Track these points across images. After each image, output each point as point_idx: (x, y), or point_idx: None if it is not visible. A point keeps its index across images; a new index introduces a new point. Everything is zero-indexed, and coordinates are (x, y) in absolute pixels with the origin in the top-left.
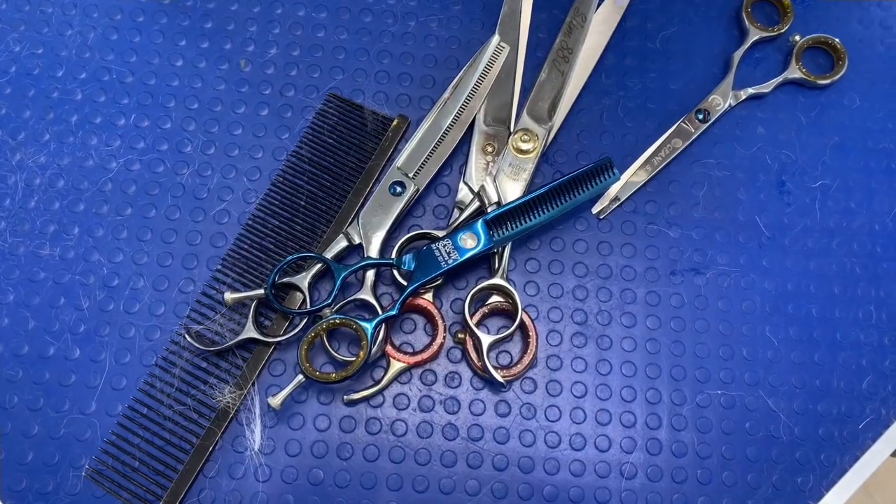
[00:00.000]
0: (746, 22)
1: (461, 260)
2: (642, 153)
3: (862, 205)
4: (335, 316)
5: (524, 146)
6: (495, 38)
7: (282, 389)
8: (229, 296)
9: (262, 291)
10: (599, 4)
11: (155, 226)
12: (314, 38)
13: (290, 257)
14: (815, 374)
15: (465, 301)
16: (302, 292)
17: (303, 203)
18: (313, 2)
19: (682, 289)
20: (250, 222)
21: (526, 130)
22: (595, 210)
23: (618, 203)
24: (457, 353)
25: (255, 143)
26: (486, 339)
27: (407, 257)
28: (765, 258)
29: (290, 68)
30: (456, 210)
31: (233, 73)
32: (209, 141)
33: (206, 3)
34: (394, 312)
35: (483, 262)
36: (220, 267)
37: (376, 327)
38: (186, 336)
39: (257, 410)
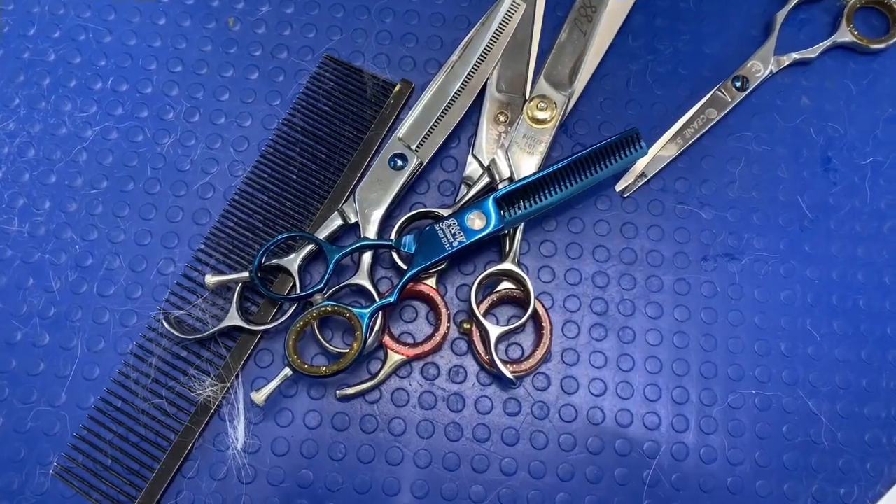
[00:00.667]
0: None
1: (468, 243)
2: (672, 124)
3: None
4: (327, 303)
5: (541, 115)
6: None
7: (268, 383)
8: (211, 279)
9: (246, 274)
10: None
11: (133, 200)
12: None
13: (278, 237)
14: (862, 372)
15: (471, 287)
16: (292, 276)
17: (294, 177)
18: None
19: (714, 276)
20: (237, 197)
21: (543, 97)
22: (619, 188)
23: (644, 180)
24: (462, 345)
25: (243, 111)
26: (494, 331)
27: (407, 238)
28: (807, 243)
29: (283, 27)
30: (463, 186)
31: (220, 33)
32: (193, 107)
33: None
34: (392, 300)
35: (493, 245)
36: (202, 246)
37: (372, 316)
38: (164, 323)
39: (241, 405)
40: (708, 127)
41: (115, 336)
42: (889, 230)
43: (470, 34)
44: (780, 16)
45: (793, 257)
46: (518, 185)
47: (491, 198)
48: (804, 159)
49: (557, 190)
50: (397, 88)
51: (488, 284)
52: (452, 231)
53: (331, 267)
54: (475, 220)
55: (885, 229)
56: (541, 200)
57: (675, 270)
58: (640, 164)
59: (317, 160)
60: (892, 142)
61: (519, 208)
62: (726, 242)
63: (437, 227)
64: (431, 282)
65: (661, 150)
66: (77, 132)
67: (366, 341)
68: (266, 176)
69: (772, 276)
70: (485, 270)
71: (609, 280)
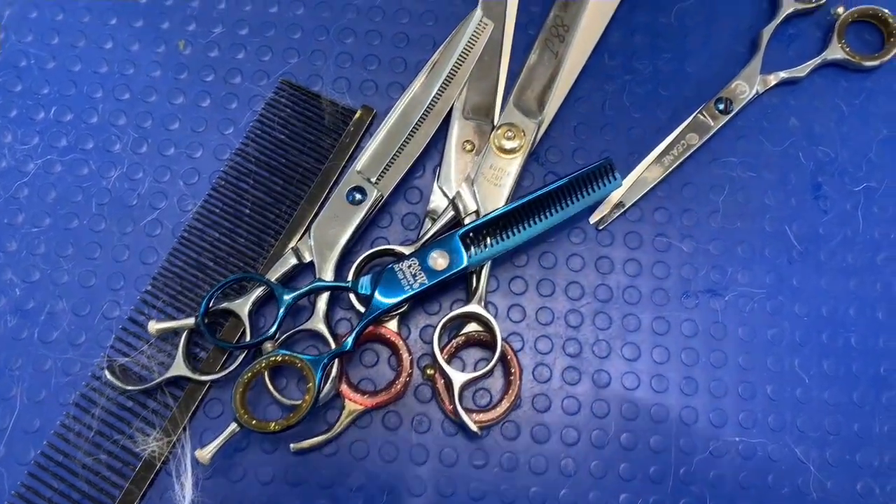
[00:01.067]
0: None
1: (429, 285)
2: (651, 150)
3: None
4: (278, 351)
5: (508, 144)
6: (477, 13)
7: (216, 437)
8: (154, 325)
9: (193, 321)
10: None
11: (77, 239)
12: (266, 15)
13: (224, 281)
14: (853, 416)
15: (435, 330)
16: (241, 320)
17: (248, 211)
18: None
19: (695, 314)
20: (186, 234)
21: (511, 125)
22: (593, 219)
23: (621, 210)
24: (426, 391)
25: (193, 140)
26: (457, 379)
27: (365, 280)
28: (795, 277)
29: (237, 50)
30: (428, 220)
31: (170, 57)
32: (141, 138)
33: None
34: (346, 349)
35: (461, 281)
36: (149, 288)
37: (325, 366)
38: (108, 373)
39: (189, 460)
40: (689, 153)
41: (57, 385)
42: (883, 261)
43: (434, 56)
44: (767, 32)
45: (780, 292)
46: (483, 220)
47: (455, 235)
48: (792, 186)
49: (526, 225)
50: (357, 115)
51: (454, 326)
52: (413, 272)
53: (281, 311)
54: (438, 260)
55: (878, 260)
56: (509, 237)
57: (654, 308)
58: (617, 193)
59: (272, 193)
60: (887, 165)
61: (485, 246)
62: (709, 277)
63: (396, 267)
64: (393, 324)
65: (639, 178)
66: (18, 166)
67: (319, 392)
68: (217, 211)
69: (757, 312)
70: (451, 311)
71: (583, 319)
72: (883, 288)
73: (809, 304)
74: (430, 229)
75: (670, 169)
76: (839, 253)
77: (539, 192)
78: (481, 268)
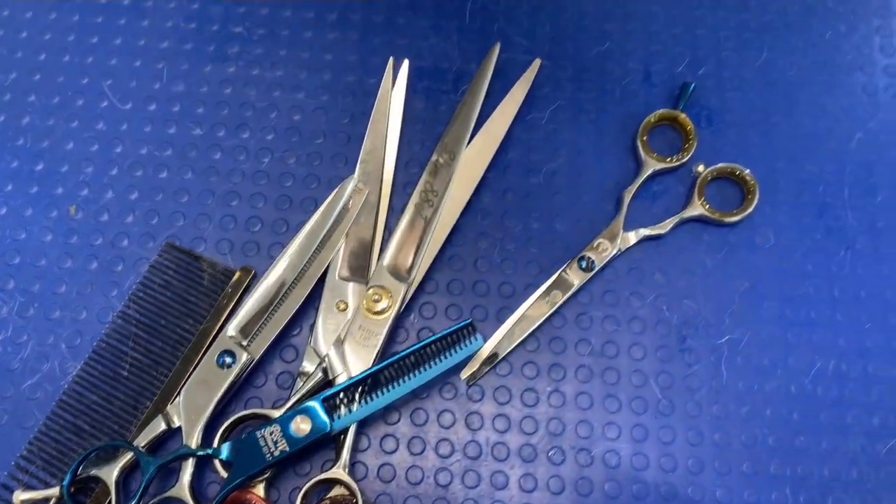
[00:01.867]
0: (642, 151)
1: (290, 452)
2: (520, 306)
3: (777, 363)
4: None
5: (377, 306)
6: (353, 178)
7: None
8: (19, 497)
9: (56, 490)
10: (472, 138)
11: None
12: (155, 180)
13: (89, 450)
14: None
15: (298, 495)
16: (108, 489)
17: (126, 374)
18: (158, 138)
19: (563, 470)
20: (65, 398)
21: (381, 287)
22: (464, 375)
23: (490, 366)
24: None
25: (78, 303)
26: None
27: (227, 446)
28: (661, 430)
29: (126, 214)
30: (300, 380)
31: (62, 222)
32: (28, 301)
33: (38, 143)
34: None
35: (333, 440)
36: (25, 453)
37: None
38: None
39: None
40: (555, 308)
41: None
42: (748, 414)
43: (312, 220)
44: (628, 193)
45: (646, 447)
46: (347, 383)
47: (319, 399)
48: (658, 339)
49: (391, 387)
50: (236, 276)
51: (322, 488)
52: (275, 438)
53: (145, 480)
54: (300, 425)
55: (742, 412)
56: (374, 399)
57: (522, 465)
58: (487, 348)
59: (150, 355)
60: (749, 318)
61: (349, 409)
62: (576, 432)
63: (258, 434)
64: (260, 489)
65: (508, 333)
66: None
67: None
68: (97, 374)
69: (624, 468)
70: (321, 472)
71: (452, 477)
72: (748, 440)
73: (675, 458)
74: (300, 391)
75: (536, 324)
76: (705, 405)
77: (401, 355)
78: (348, 429)
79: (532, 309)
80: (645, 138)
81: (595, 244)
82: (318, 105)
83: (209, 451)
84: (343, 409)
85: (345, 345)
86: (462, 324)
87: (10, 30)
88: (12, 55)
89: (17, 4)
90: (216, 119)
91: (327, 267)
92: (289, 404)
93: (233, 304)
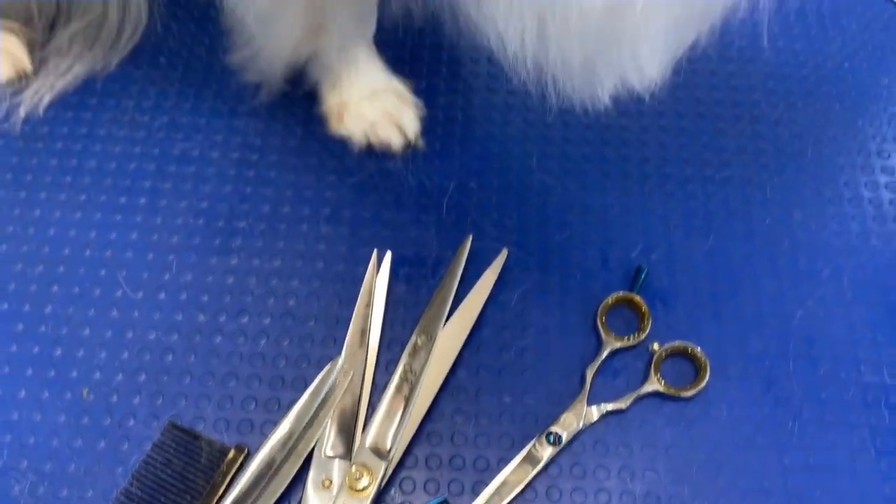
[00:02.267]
0: (602, 331)
1: None
2: (493, 479)
3: None
4: None
5: (359, 484)
6: (340, 360)
7: None
8: None
9: None
10: (449, 318)
11: None
12: (162, 363)
13: None
14: None
15: None
16: None
17: None
18: (166, 324)
19: None
20: None
21: (363, 465)
22: None
23: None
24: None
25: (85, 481)
26: None
27: None
28: None
29: (133, 395)
30: None
31: (75, 404)
32: (38, 481)
33: (58, 330)
34: None
35: None
36: None
37: None
38: None
39: None
40: (525, 482)
41: None
42: None
43: (301, 399)
44: (590, 370)
45: None
46: None
47: None
48: None
49: None
50: (231, 455)
51: None
52: None
53: None
54: None
55: None
56: None
57: None
58: None
59: None
60: (707, 489)
61: None
62: None
63: None
64: None
65: None
66: None
67: None
68: None
69: None
70: None
71: None
72: None
73: None
74: None
75: (511, 497)
76: None
77: None
78: None
79: (505, 483)
80: (604, 319)
81: (561, 419)
82: (311, 291)
83: None
84: None
85: None
86: (436, 501)
87: (38, 230)
88: (40, 250)
89: (46, 205)
90: (219, 305)
91: (314, 445)
92: None
93: (227, 481)
